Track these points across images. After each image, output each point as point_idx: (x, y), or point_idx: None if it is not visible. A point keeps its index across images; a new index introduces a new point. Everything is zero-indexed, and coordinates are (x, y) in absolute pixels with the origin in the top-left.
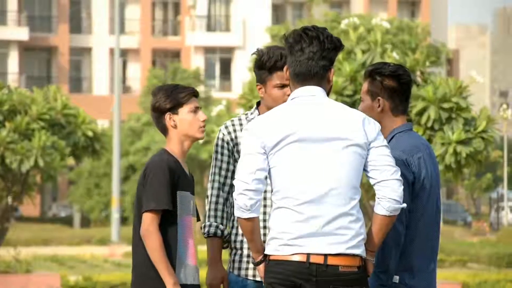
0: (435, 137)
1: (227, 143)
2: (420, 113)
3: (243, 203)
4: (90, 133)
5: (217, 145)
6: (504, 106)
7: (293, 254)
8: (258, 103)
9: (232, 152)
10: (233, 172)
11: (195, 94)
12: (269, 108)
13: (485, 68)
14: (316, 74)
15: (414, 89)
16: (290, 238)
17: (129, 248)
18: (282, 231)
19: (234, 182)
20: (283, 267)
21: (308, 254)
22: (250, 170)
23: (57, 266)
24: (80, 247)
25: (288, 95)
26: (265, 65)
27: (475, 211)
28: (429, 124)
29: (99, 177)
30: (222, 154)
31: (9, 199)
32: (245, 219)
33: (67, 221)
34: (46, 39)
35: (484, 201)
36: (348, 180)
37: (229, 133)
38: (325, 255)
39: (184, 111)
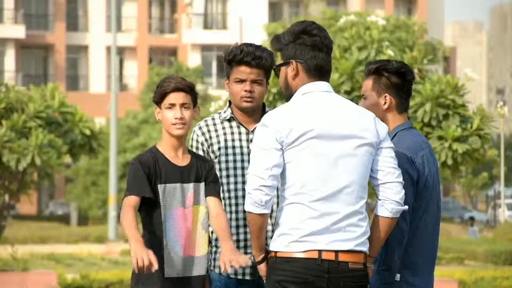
0: (433, 134)
1: (202, 144)
2: (416, 110)
3: (258, 199)
4: (87, 132)
5: (191, 146)
6: (501, 103)
7: (304, 251)
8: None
9: (207, 152)
10: None
11: (177, 88)
12: (235, 104)
13: (482, 66)
14: (330, 69)
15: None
16: (302, 235)
17: (126, 246)
18: (294, 228)
19: (248, 176)
20: (293, 264)
21: (320, 251)
22: (267, 166)
23: (54, 264)
24: (77, 245)
25: (245, 91)
26: (225, 58)
27: (472, 208)
28: (426, 120)
29: (97, 174)
30: None
31: (6, 197)
32: (258, 214)
33: (64, 219)
34: (43, 37)
35: (481, 199)
36: (360, 178)
37: (203, 133)
38: (336, 252)
39: (163, 107)
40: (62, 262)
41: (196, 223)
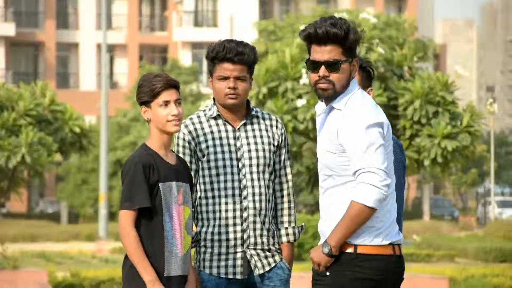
0: (422, 131)
1: (189, 143)
2: (406, 107)
3: (385, 195)
4: (77, 129)
5: (177, 145)
6: (491, 100)
7: (383, 246)
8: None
9: (195, 151)
10: (196, 171)
11: (169, 85)
12: (219, 102)
13: (472, 63)
14: None
15: (401, 84)
16: (384, 227)
17: (116, 244)
18: (380, 220)
19: (374, 170)
20: (374, 262)
21: (393, 245)
22: (386, 162)
23: (45, 262)
24: (68, 243)
25: (229, 88)
26: (208, 56)
27: (462, 205)
28: (416, 118)
29: (87, 172)
30: (184, 154)
31: None
32: (376, 209)
33: (55, 217)
34: (33, 34)
35: (471, 196)
36: None
37: (189, 132)
38: (399, 245)
39: (155, 105)
40: (53, 260)
41: (183, 223)
